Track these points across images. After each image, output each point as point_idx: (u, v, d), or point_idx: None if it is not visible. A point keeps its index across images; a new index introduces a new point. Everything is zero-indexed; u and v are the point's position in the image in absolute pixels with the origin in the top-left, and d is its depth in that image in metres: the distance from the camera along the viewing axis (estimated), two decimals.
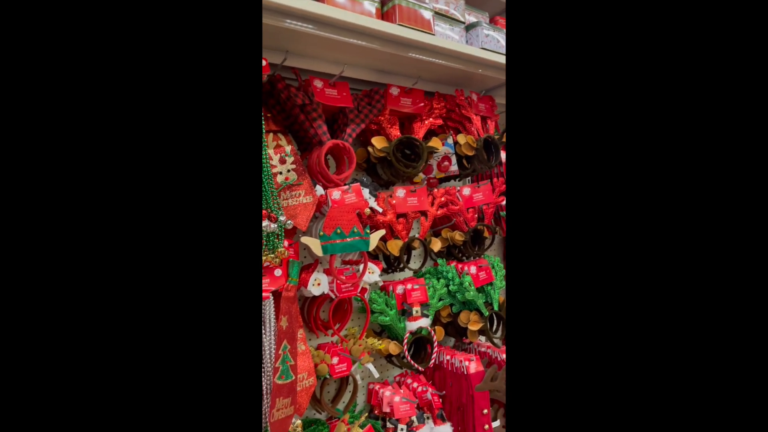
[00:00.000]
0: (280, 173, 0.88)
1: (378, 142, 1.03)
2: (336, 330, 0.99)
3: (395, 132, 1.06)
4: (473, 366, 1.10)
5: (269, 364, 0.75)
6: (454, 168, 1.15)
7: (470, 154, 1.16)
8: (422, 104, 1.10)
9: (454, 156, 1.14)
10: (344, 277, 0.94)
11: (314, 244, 0.87)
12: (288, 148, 0.91)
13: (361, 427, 0.95)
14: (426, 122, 1.10)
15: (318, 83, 0.94)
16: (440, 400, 1.10)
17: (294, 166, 0.89)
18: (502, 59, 1.06)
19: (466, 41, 1.09)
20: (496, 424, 1.10)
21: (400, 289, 1.10)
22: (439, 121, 1.13)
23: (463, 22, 1.07)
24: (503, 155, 1.36)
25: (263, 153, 0.80)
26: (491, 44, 1.07)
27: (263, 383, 0.74)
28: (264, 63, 0.78)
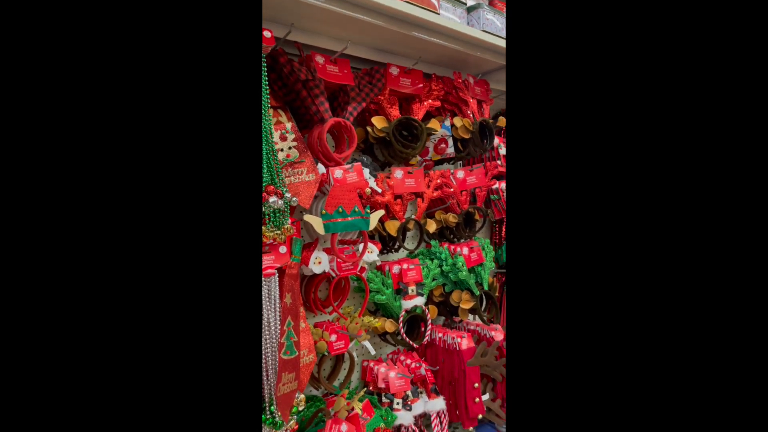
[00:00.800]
0: (281, 150, 0.87)
1: (378, 122, 1.03)
2: (335, 308, 1.00)
3: (395, 112, 1.06)
4: (465, 342, 1.14)
5: (275, 340, 0.76)
6: (450, 150, 1.17)
7: (466, 137, 1.17)
8: (421, 85, 1.10)
9: (450, 138, 1.16)
10: (345, 256, 0.95)
11: (317, 223, 0.87)
12: (288, 125, 0.89)
13: (360, 401, 0.97)
14: (425, 103, 1.11)
15: (320, 59, 0.92)
16: (433, 375, 1.14)
17: (295, 144, 0.88)
18: (502, 42, 1.07)
19: (467, 23, 1.09)
20: (485, 397, 1.15)
21: (395, 268, 1.12)
22: (438, 103, 1.14)
23: (465, 3, 1.07)
24: (496, 140, 1.39)
25: (266, 127, 0.78)
26: (491, 27, 1.08)
27: (269, 359, 0.75)
28: (269, 35, 0.76)
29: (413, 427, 1.05)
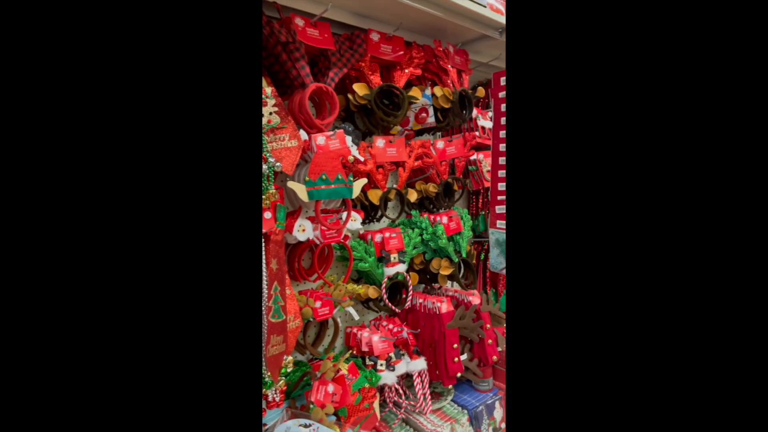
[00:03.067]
0: (262, 115, 0.85)
1: (360, 89, 1.02)
2: (320, 274, 1.02)
3: (376, 80, 1.05)
4: (444, 307, 1.19)
5: (263, 303, 0.76)
6: (431, 120, 1.18)
7: (446, 106, 1.18)
8: (402, 52, 1.09)
9: (431, 108, 1.16)
10: (329, 224, 0.95)
11: (300, 189, 0.87)
12: (269, 90, 0.87)
13: (345, 362, 1.01)
14: (406, 71, 1.10)
15: (299, 22, 0.89)
16: (414, 338, 1.19)
17: (276, 109, 0.86)
18: (482, 10, 1.07)
19: None
20: (463, 357, 1.21)
21: (378, 237, 1.14)
22: (419, 71, 1.13)
23: None
24: (474, 111, 1.41)
25: None
26: None
27: None
28: None
29: (396, 385, 1.10)
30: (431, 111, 1.17)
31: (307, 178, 0.88)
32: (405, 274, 1.15)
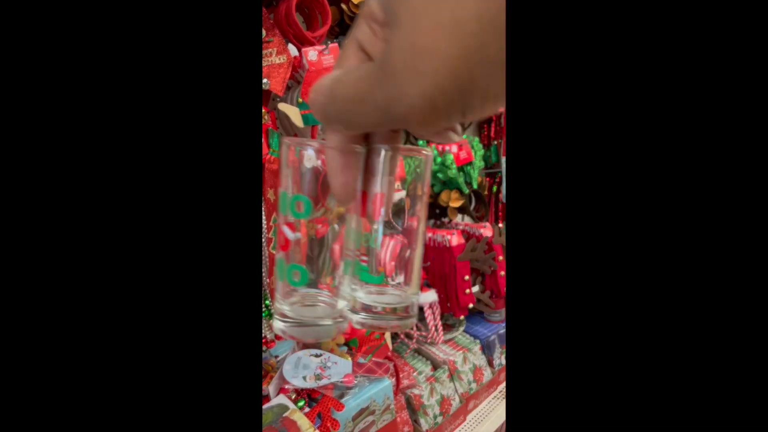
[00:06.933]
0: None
1: None
2: (323, 203, 0.97)
3: None
4: (455, 239, 1.15)
5: (263, 236, 0.72)
6: None
7: None
8: None
9: None
10: None
11: (294, 113, 0.79)
12: None
13: None
14: None
15: None
16: (425, 271, 1.16)
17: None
18: None
19: None
20: (475, 289, 1.19)
21: None
22: None
23: None
24: None
25: None
26: None
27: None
28: None
29: None
30: None
31: (300, 100, 0.79)
32: (407, 199, 1.10)
